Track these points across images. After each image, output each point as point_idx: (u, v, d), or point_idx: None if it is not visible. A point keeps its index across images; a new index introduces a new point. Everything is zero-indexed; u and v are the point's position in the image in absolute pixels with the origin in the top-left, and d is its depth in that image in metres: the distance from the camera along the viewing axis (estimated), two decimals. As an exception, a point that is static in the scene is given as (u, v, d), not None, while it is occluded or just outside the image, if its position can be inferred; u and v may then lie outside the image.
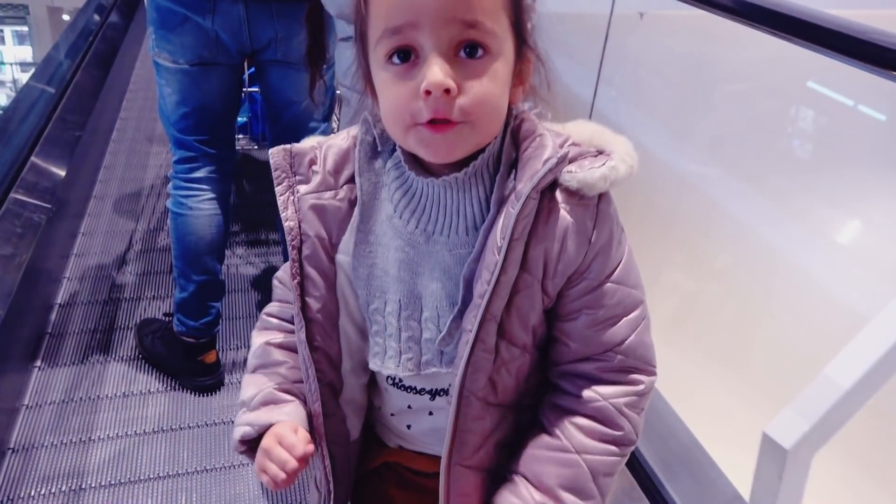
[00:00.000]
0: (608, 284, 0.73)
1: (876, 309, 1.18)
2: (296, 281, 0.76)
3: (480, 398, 0.74)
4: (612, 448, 0.75)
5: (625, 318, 0.75)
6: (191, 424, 1.83)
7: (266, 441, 0.76)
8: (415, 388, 0.80)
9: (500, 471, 0.80)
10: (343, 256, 0.77)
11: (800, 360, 1.94)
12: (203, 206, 1.78)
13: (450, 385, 0.75)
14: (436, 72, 0.63)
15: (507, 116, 0.72)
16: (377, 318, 0.77)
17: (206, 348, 1.92)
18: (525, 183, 0.68)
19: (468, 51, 0.65)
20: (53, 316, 2.15)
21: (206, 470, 1.70)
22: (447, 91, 0.63)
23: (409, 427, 0.85)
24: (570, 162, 0.70)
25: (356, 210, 0.75)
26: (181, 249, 1.82)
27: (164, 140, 3.12)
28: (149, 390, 1.92)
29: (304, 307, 0.77)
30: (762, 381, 1.98)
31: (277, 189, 0.77)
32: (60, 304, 2.21)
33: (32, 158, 2.34)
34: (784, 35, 1.29)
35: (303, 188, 0.76)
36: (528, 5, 0.71)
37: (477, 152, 0.70)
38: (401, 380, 0.80)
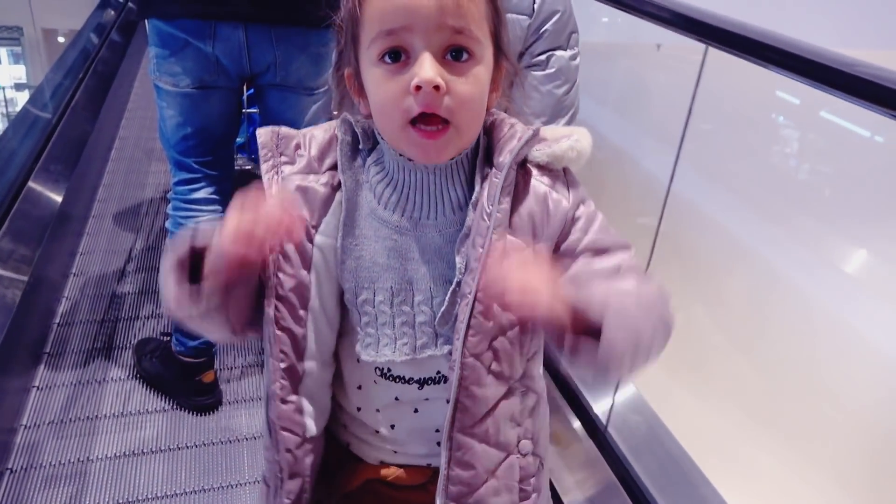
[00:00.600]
0: (593, 234, 0.79)
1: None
2: (272, 256, 0.77)
3: (483, 364, 0.76)
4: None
5: (620, 251, 0.79)
6: (188, 444, 1.83)
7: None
8: (403, 377, 0.81)
9: (512, 450, 0.81)
10: (323, 238, 0.79)
11: (832, 409, 1.93)
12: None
13: (438, 372, 0.80)
14: (427, 69, 0.69)
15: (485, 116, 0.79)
16: (367, 309, 0.79)
17: (205, 368, 1.93)
18: (505, 156, 0.76)
19: (454, 54, 0.71)
20: (52, 335, 2.15)
21: (205, 490, 1.70)
22: (436, 88, 0.69)
23: (392, 427, 0.85)
24: (540, 142, 0.79)
25: (343, 206, 0.78)
26: (180, 270, 1.83)
27: (162, 159, 3.15)
28: (146, 410, 1.93)
29: (278, 284, 0.78)
30: (794, 433, 1.95)
31: (263, 167, 0.80)
32: (59, 323, 2.21)
33: (30, 183, 2.36)
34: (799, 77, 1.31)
35: (287, 169, 0.79)
36: (504, 19, 0.77)
37: None
38: (390, 370, 0.81)
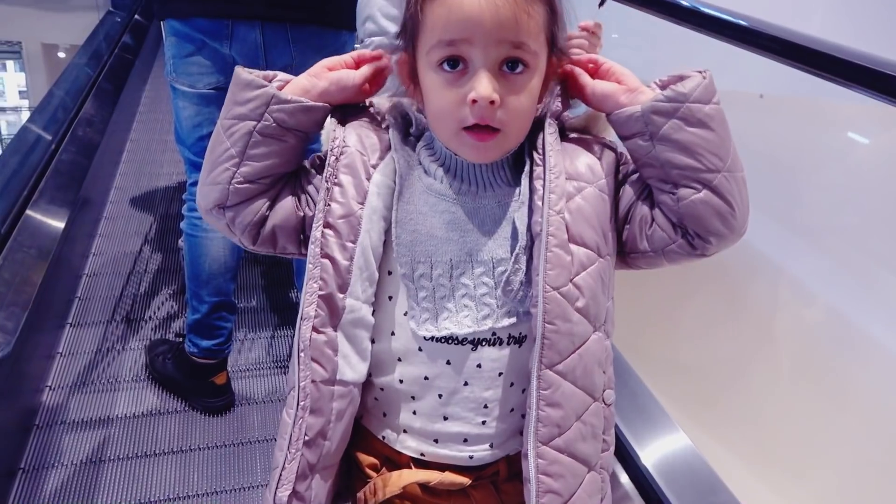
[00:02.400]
0: None
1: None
2: (326, 185, 0.80)
3: (567, 298, 0.78)
4: None
5: None
6: (201, 446, 1.83)
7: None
8: (457, 338, 0.81)
9: (598, 397, 0.83)
10: (380, 176, 0.82)
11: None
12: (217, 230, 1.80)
13: (494, 333, 0.81)
14: (485, 85, 0.74)
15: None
16: (424, 283, 0.80)
17: (217, 369, 1.92)
18: (542, 111, 0.84)
19: (510, 65, 0.76)
20: (65, 335, 2.16)
21: (217, 492, 1.70)
22: (492, 102, 0.74)
23: (440, 396, 0.83)
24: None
25: (396, 183, 0.82)
26: (195, 271, 1.83)
27: (175, 162, 3.16)
28: (159, 411, 1.93)
29: (327, 211, 0.80)
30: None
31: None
32: (71, 323, 2.22)
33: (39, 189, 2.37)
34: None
35: (350, 110, 0.86)
36: (561, 18, 0.81)
37: None
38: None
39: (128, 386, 2.00)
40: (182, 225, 1.84)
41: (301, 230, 0.86)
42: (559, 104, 0.85)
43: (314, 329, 0.79)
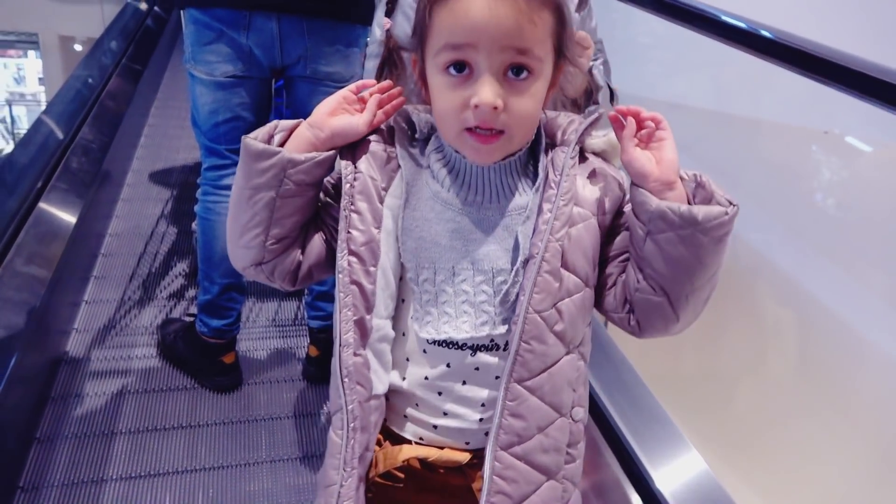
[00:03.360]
0: None
1: None
2: (345, 213, 0.83)
3: (546, 322, 0.81)
4: None
5: None
6: (209, 422, 1.89)
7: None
8: (457, 343, 0.84)
9: (565, 413, 0.85)
10: (392, 199, 0.85)
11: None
12: (230, 212, 1.85)
13: (492, 340, 0.84)
14: (487, 91, 0.75)
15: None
16: (427, 288, 0.84)
17: (227, 349, 1.98)
18: (570, 134, 0.84)
19: (515, 71, 0.77)
20: (80, 312, 2.23)
21: (223, 467, 1.76)
22: (495, 108, 0.75)
23: (440, 394, 0.87)
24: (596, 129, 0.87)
25: (403, 189, 0.84)
26: (207, 253, 1.89)
27: (190, 147, 3.21)
28: (169, 388, 1.99)
29: (349, 239, 0.83)
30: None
31: None
32: (87, 301, 2.29)
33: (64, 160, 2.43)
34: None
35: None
36: (569, 24, 0.81)
37: None
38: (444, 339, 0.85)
39: (140, 363, 2.07)
40: (196, 208, 1.90)
41: (333, 259, 0.88)
42: (587, 131, 0.85)
43: (354, 353, 0.83)
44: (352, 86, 0.87)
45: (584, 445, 0.93)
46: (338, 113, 0.85)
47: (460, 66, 0.77)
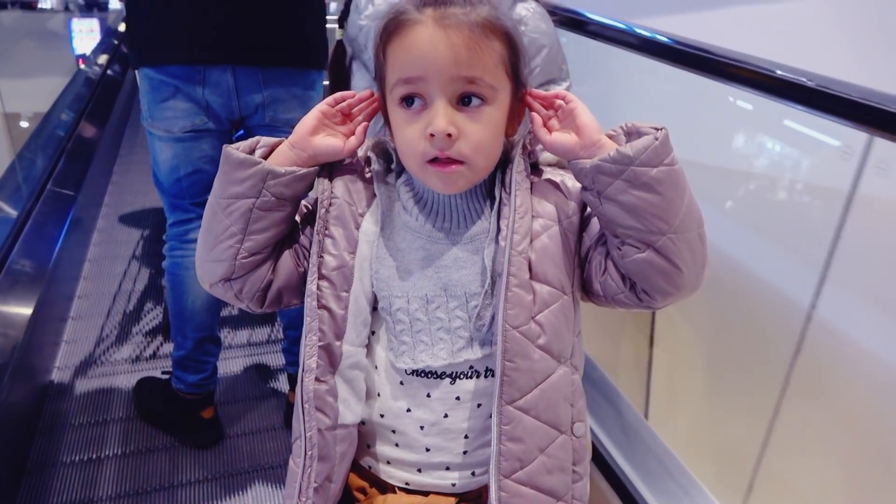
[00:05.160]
0: None
1: None
2: (318, 238, 0.84)
3: (527, 336, 0.80)
4: None
5: None
6: (191, 480, 1.85)
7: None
8: (436, 372, 0.84)
9: (565, 430, 0.83)
10: (368, 225, 0.85)
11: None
12: (198, 266, 1.84)
13: (471, 367, 0.84)
14: (440, 120, 0.77)
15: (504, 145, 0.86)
16: (401, 317, 0.83)
17: (205, 404, 1.96)
18: (516, 150, 0.85)
19: (465, 101, 0.78)
20: (53, 378, 2.18)
21: (209, 524, 1.72)
22: (448, 135, 0.77)
23: (421, 428, 0.85)
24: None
25: (378, 220, 0.85)
26: (178, 307, 1.87)
27: (155, 201, 3.20)
28: (148, 448, 1.95)
29: (321, 264, 0.83)
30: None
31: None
32: (59, 367, 2.25)
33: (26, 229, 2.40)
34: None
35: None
36: (524, 54, 0.83)
37: None
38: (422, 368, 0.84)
39: (117, 426, 2.03)
40: (164, 264, 1.89)
41: (303, 284, 0.88)
42: (529, 140, 0.85)
43: (316, 379, 0.82)
44: (329, 98, 0.87)
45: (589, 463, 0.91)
46: (318, 132, 0.85)
47: (412, 99, 0.79)
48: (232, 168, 0.83)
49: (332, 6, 4.06)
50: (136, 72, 1.71)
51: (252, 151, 0.84)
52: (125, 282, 2.79)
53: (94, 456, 1.91)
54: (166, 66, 1.64)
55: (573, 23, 2.09)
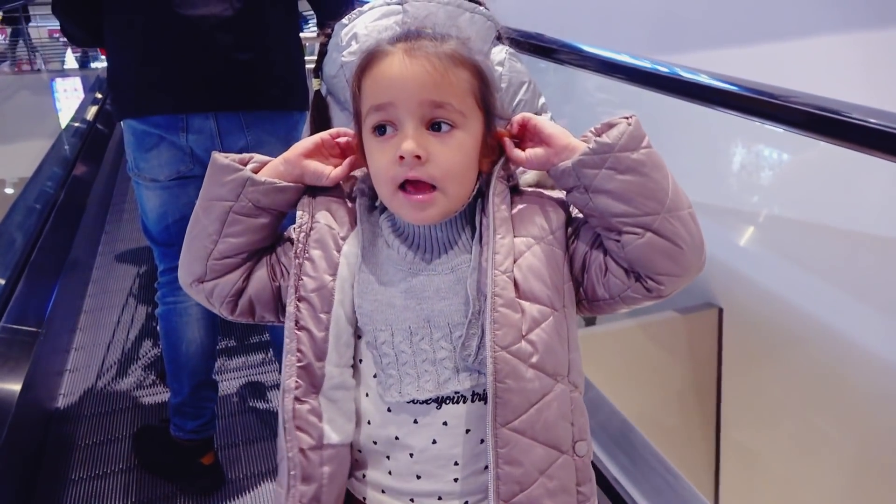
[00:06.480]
0: None
1: None
2: (297, 261, 0.85)
3: (518, 356, 0.79)
4: None
5: None
6: (195, 528, 1.84)
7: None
8: (419, 399, 0.83)
9: (566, 450, 0.82)
10: (349, 248, 0.86)
11: None
12: (191, 312, 1.85)
13: (456, 392, 0.83)
14: (409, 142, 0.78)
15: (478, 180, 0.86)
16: (386, 350, 0.83)
17: (204, 450, 1.95)
18: (493, 177, 0.85)
19: (435, 126, 0.80)
20: (51, 432, 2.17)
21: (214, 572, 1.71)
22: (418, 157, 0.78)
23: (411, 455, 0.85)
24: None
25: (359, 254, 0.86)
26: (173, 354, 1.87)
27: (145, 251, 3.21)
28: (150, 499, 1.94)
29: (300, 285, 0.84)
30: None
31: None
32: (57, 419, 2.24)
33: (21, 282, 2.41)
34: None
35: (320, 187, 0.90)
36: (493, 86, 0.85)
37: None
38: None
39: (117, 477, 2.01)
40: (157, 312, 1.89)
41: (278, 299, 0.90)
42: (504, 165, 0.86)
43: (297, 399, 0.83)
44: (332, 131, 0.90)
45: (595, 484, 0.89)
46: (312, 156, 0.88)
47: (383, 127, 0.81)
48: (216, 171, 0.87)
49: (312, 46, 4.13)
50: (121, 123, 1.74)
51: (245, 164, 0.88)
52: (119, 330, 2.79)
53: (95, 509, 1.89)
54: (149, 115, 1.66)
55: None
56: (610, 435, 1.65)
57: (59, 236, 2.99)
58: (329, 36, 1.02)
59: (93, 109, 5.23)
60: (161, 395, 2.37)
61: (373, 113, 0.81)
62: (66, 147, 4.15)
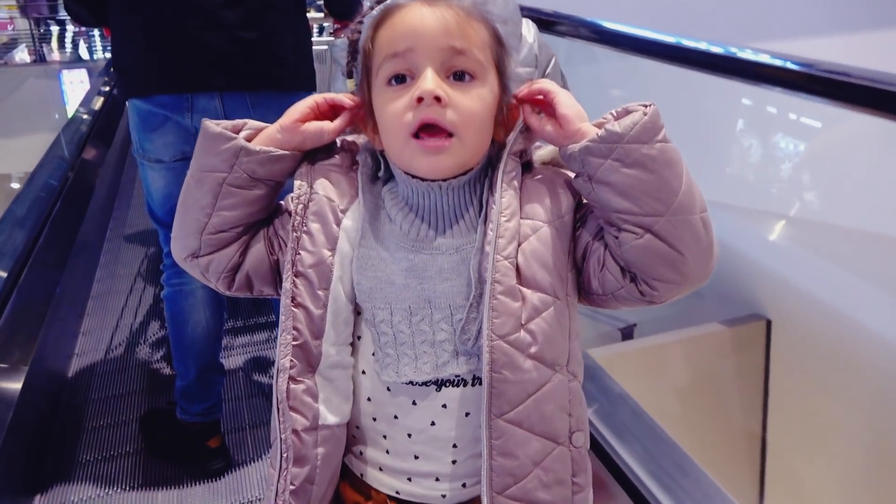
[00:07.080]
0: None
1: None
2: (295, 234, 0.81)
3: (517, 346, 0.76)
4: None
5: None
6: (202, 510, 1.84)
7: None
8: (416, 381, 0.81)
9: (563, 441, 0.79)
10: (349, 222, 0.83)
11: None
12: (197, 294, 1.84)
13: (457, 376, 0.80)
14: (428, 81, 0.74)
15: (491, 149, 0.82)
16: (385, 330, 0.81)
17: (211, 433, 1.94)
18: (504, 150, 0.81)
19: (457, 75, 0.77)
20: (58, 415, 2.18)
21: (220, 555, 1.70)
22: (437, 99, 0.74)
23: (409, 436, 0.83)
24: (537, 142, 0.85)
25: (360, 227, 0.82)
26: (179, 337, 1.87)
27: (152, 234, 3.21)
28: (157, 481, 1.94)
29: (298, 260, 0.81)
30: None
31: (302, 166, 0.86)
32: (65, 403, 2.24)
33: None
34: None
35: (319, 155, 0.86)
36: (508, 52, 0.82)
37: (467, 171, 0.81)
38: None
39: (124, 460, 2.02)
40: (163, 294, 1.88)
41: (276, 273, 0.87)
42: (522, 141, 0.82)
43: (292, 379, 0.80)
44: (327, 95, 0.85)
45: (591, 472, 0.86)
46: (308, 120, 0.83)
47: (402, 77, 0.77)
48: (207, 140, 0.82)
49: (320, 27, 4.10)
50: (127, 103, 1.72)
51: (238, 131, 0.83)
52: (126, 314, 2.79)
53: (102, 492, 1.89)
54: (154, 95, 1.65)
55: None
56: (649, 451, 1.57)
57: (68, 220, 2.99)
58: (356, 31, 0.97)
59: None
60: (168, 378, 2.37)
61: (388, 62, 0.77)
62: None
